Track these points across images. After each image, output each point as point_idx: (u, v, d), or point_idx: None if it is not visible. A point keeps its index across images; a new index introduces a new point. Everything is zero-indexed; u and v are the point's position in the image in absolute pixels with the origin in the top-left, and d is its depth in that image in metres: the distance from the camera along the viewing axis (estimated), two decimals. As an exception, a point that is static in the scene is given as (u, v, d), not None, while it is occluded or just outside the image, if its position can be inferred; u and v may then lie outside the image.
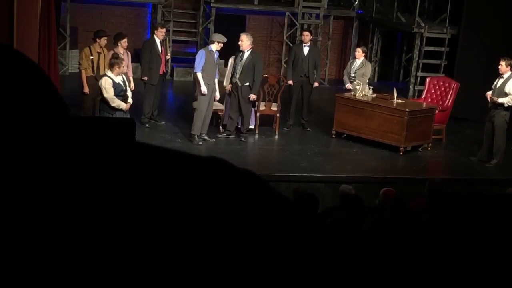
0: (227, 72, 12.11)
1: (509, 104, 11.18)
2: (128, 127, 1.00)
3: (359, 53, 12.76)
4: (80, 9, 16.40)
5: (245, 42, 11.59)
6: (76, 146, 0.88)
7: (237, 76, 11.56)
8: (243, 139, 11.71)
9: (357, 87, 12.28)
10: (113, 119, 0.99)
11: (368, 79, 15.00)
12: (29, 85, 0.98)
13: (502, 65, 11.28)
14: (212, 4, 16.52)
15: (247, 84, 11.54)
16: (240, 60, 11.58)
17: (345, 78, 12.97)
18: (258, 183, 0.89)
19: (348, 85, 12.65)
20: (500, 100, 11.15)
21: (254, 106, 11.94)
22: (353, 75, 12.68)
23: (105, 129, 0.96)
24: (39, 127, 0.92)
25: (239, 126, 11.86)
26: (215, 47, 11.35)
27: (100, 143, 0.90)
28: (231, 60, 12.07)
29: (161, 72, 12.09)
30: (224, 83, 12.09)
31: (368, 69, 12.84)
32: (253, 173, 0.90)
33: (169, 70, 12.57)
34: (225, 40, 11.48)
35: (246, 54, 11.57)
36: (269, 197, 0.88)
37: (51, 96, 1.00)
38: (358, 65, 12.73)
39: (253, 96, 11.58)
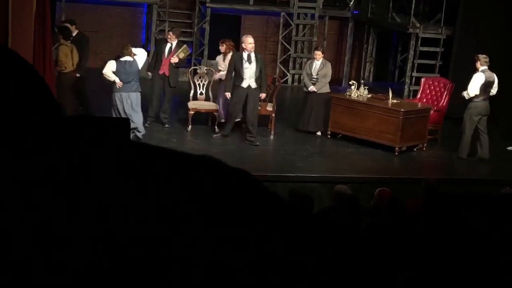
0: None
1: (467, 98, 11.63)
2: (123, 127, 0.99)
3: (319, 55, 12.65)
4: (75, 9, 16.36)
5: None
6: (72, 146, 0.88)
7: (251, 78, 11.56)
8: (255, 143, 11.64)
9: (352, 87, 12.29)
10: (107, 119, 0.99)
11: (364, 79, 15.03)
12: (22, 84, 0.97)
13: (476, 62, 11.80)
14: (207, 4, 16.51)
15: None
16: (250, 63, 11.53)
17: (306, 80, 12.71)
18: (251, 182, 0.88)
19: (312, 88, 12.51)
20: (463, 93, 11.70)
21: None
22: (315, 76, 12.51)
23: (99, 128, 0.95)
24: (34, 127, 0.91)
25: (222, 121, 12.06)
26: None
27: (94, 143, 0.89)
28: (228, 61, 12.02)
29: (160, 72, 12.07)
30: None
31: (329, 69, 12.72)
32: (246, 172, 0.90)
33: (168, 73, 12.17)
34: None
35: (252, 56, 11.62)
36: (262, 196, 0.87)
37: (44, 96, 0.99)
38: (318, 66, 12.57)
39: (263, 95, 11.82)
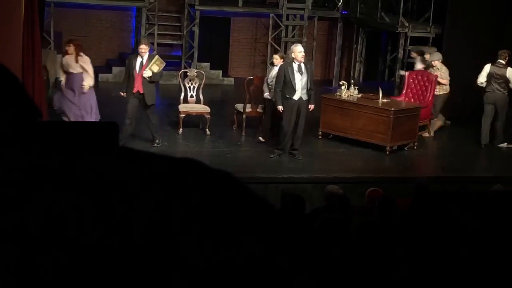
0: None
1: (478, 84, 12.64)
2: (111, 131, 0.99)
3: (277, 60, 11.66)
4: (64, 14, 16.33)
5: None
6: (52, 150, 0.88)
7: (303, 90, 10.94)
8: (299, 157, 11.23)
9: (343, 87, 12.30)
10: (95, 124, 0.99)
11: (354, 79, 15.05)
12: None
13: None
14: (196, 7, 16.50)
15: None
16: (301, 73, 10.89)
17: (265, 86, 11.92)
18: (233, 183, 0.89)
19: (266, 94, 11.82)
20: None
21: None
22: (270, 83, 11.63)
23: (87, 133, 0.96)
24: (9, 131, 0.91)
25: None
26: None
27: (80, 148, 0.90)
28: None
29: (134, 91, 10.83)
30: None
31: None
32: (229, 173, 0.90)
33: (143, 91, 10.80)
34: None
35: (303, 66, 11.00)
36: (244, 197, 0.88)
37: (22, 100, 0.99)
38: (275, 73, 11.40)
39: (312, 107, 11.20)
